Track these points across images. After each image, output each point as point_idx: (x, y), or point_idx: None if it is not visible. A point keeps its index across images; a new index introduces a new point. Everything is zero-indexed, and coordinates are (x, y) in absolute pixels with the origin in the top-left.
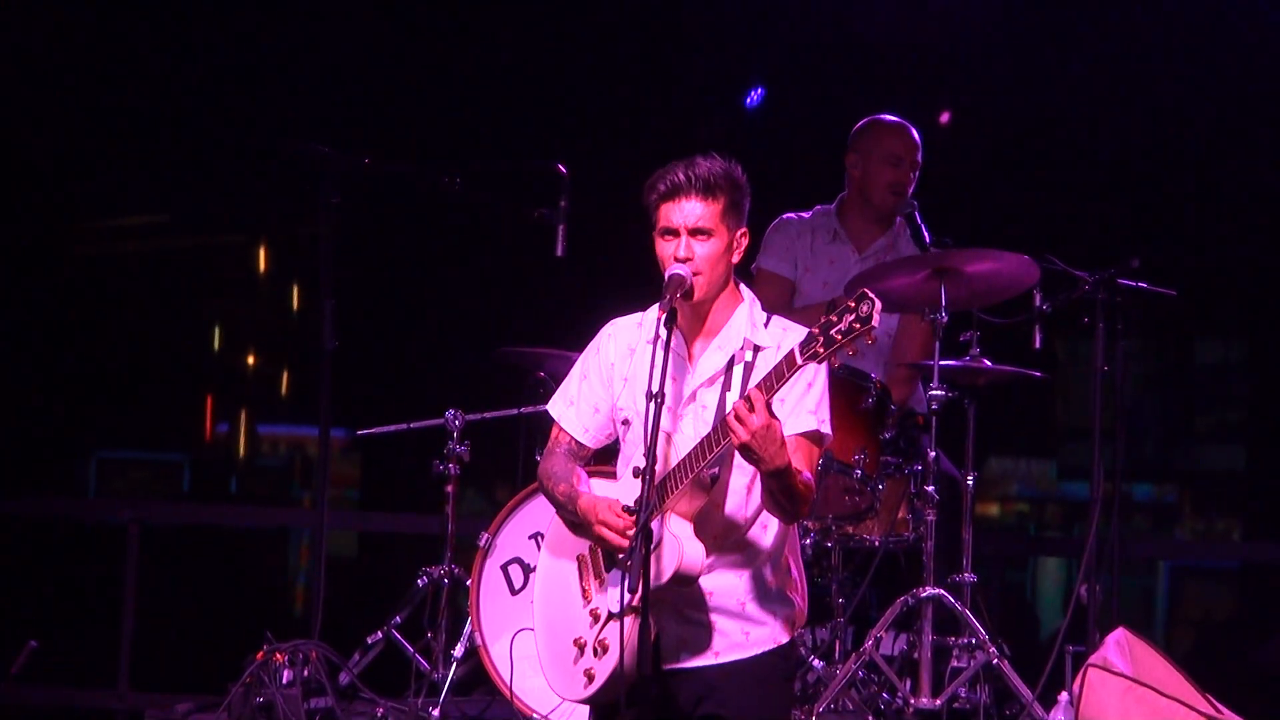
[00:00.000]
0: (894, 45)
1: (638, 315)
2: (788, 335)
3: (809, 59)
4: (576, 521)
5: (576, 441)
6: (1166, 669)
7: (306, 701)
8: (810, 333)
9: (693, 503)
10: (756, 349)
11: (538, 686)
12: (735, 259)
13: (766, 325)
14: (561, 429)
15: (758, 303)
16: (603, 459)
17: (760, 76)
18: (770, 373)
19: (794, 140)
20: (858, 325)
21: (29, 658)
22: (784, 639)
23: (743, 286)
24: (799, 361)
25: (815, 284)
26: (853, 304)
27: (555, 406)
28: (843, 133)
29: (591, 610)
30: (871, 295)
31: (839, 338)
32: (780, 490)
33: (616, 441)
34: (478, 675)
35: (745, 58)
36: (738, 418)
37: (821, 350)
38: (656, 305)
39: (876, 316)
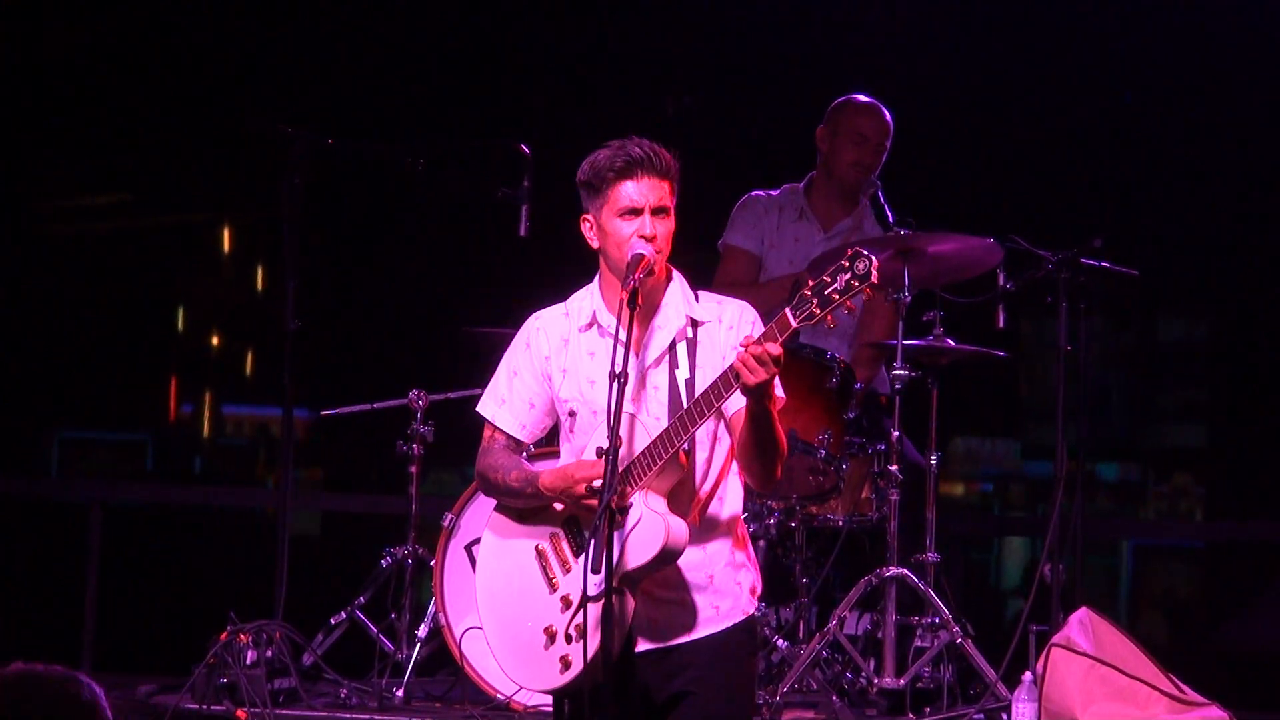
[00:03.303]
0: (860, 24)
1: (561, 306)
2: (725, 307)
3: (774, 39)
4: (534, 505)
5: (513, 439)
6: (1129, 648)
7: (270, 682)
8: (801, 295)
9: (666, 480)
10: (696, 324)
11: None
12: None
13: (698, 300)
14: (496, 428)
15: (685, 279)
16: (542, 444)
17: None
18: (761, 336)
19: (759, 121)
20: (855, 283)
21: None
22: (750, 609)
23: (670, 266)
24: (793, 323)
25: (780, 261)
26: (846, 262)
27: (486, 407)
28: (806, 112)
29: (562, 597)
30: (866, 252)
31: (836, 296)
32: (767, 421)
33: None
34: (442, 655)
35: (711, 36)
36: (758, 360)
37: (817, 311)
38: (579, 293)
39: (875, 273)
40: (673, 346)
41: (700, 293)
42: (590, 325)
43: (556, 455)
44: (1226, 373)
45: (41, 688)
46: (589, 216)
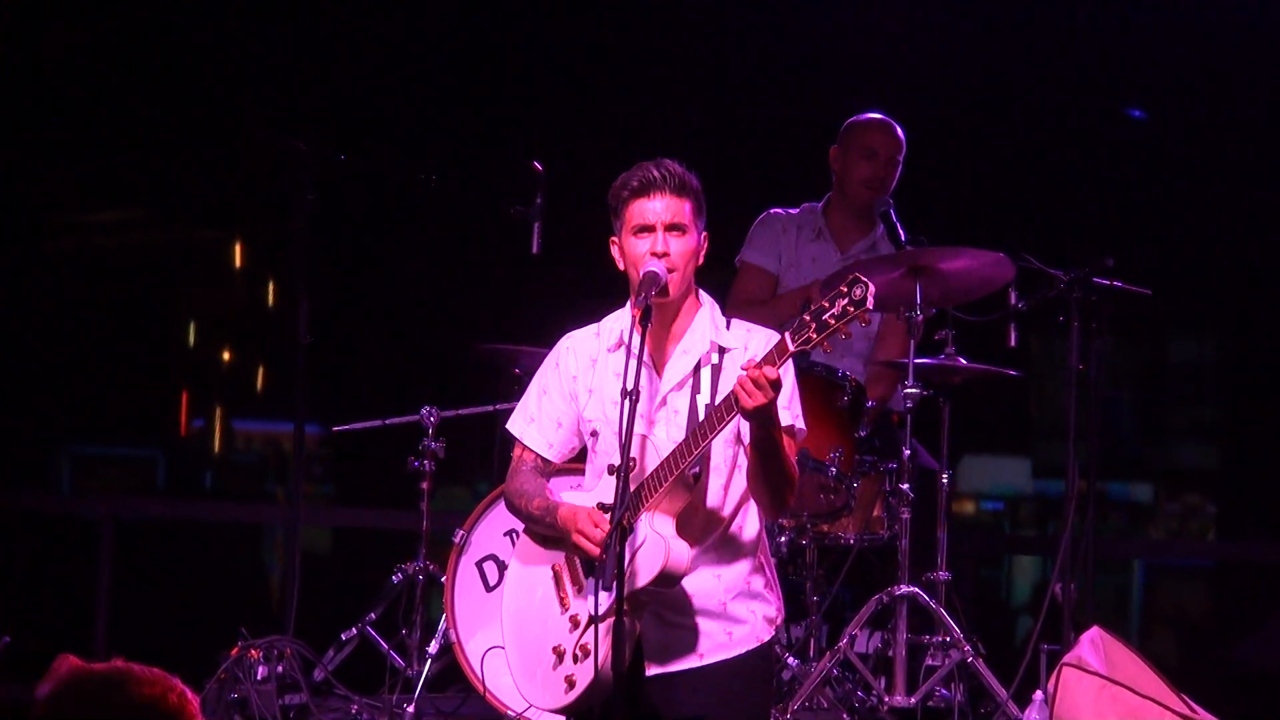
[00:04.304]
0: (872, 42)
1: (593, 326)
2: (753, 336)
3: (788, 56)
4: (553, 534)
5: (541, 458)
6: (1141, 668)
7: (281, 698)
8: (800, 319)
9: (675, 502)
10: (722, 351)
11: (510, 685)
12: (699, 261)
13: (729, 328)
14: (525, 447)
15: (717, 306)
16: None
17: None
18: (761, 359)
19: (768, 137)
20: (851, 309)
21: (2, 653)
22: (765, 637)
23: (701, 292)
24: (790, 348)
25: (798, 281)
26: (844, 288)
27: (515, 424)
28: (820, 129)
29: (571, 617)
30: (864, 279)
31: (832, 321)
32: (771, 449)
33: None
34: (452, 672)
35: (722, 55)
36: (754, 383)
37: (814, 336)
38: (613, 315)
39: (871, 300)
40: (697, 371)
41: (733, 321)
42: (619, 346)
43: (580, 472)
44: (1238, 392)
45: (126, 688)
46: (615, 239)
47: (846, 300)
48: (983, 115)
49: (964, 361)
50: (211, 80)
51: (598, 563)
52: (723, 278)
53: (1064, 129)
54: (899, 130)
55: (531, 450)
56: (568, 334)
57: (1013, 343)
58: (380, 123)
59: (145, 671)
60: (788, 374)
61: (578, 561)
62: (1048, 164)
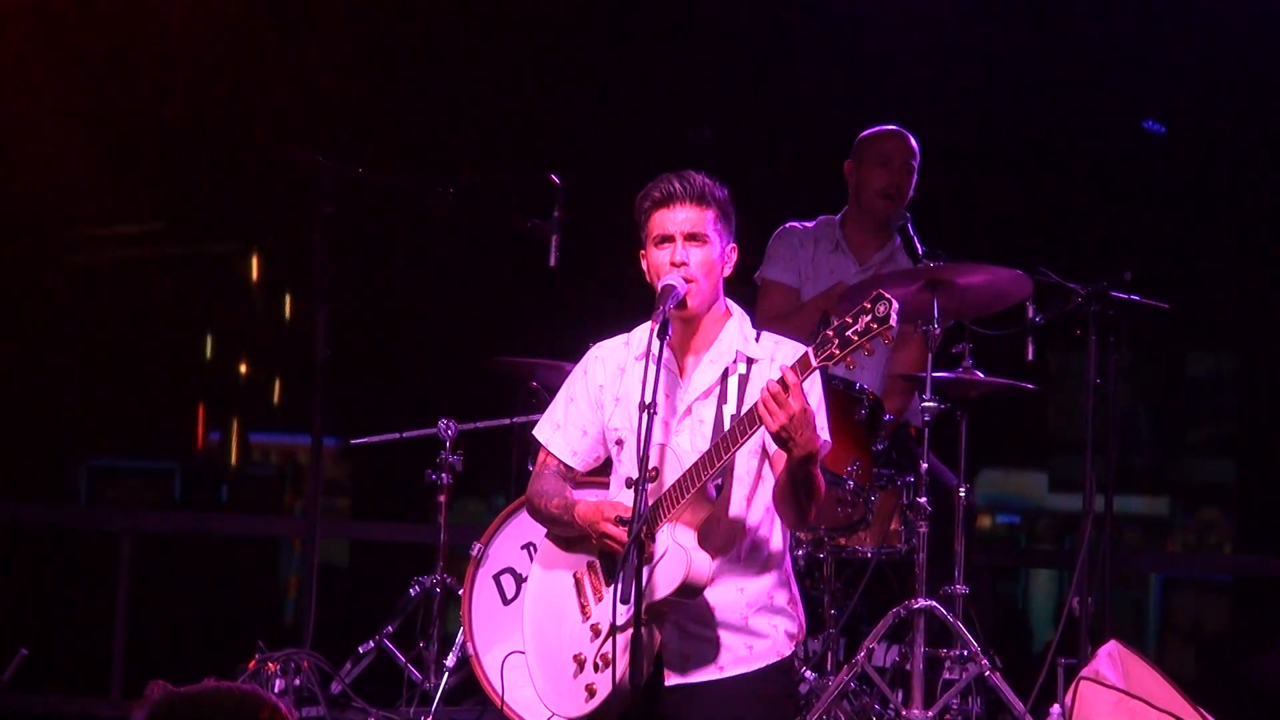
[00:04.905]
0: (888, 57)
1: (623, 336)
2: (780, 347)
3: (802, 72)
4: (574, 534)
5: (565, 465)
6: (1158, 681)
7: (299, 711)
8: (823, 335)
9: (697, 514)
10: (750, 361)
11: (529, 698)
12: (726, 272)
13: (758, 340)
14: (549, 453)
15: (747, 317)
16: (594, 472)
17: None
18: (782, 375)
19: (784, 152)
20: (875, 325)
21: (20, 666)
22: (786, 651)
23: (731, 302)
24: (813, 364)
25: (816, 293)
26: (868, 305)
27: (542, 431)
28: (835, 145)
29: (592, 625)
30: (888, 295)
31: (855, 338)
32: (805, 480)
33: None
34: (469, 685)
35: (739, 68)
36: (776, 402)
37: (837, 351)
38: (644, 325)
39: (894, 317)
40: (723, 380)
41: (763, 333)
42: (645, 354)
43: (605, 485)
44: (1255, 406)
45: (222, 707)
46: (643, 251)
47: (870, 317)
48: (1000, 129)
49: (981, 375)
50: (230, 94)
51: (618, 572)
52: (739, 291)
53: (1082, 143)
54: (912, 139)
55: (555, 456)
56: (598, 343)
57: (1030, 356)
58: (397, 136)
59: (237, 691)
60: (814, 386)
61: (599, 570)
62: (1066, 178)
